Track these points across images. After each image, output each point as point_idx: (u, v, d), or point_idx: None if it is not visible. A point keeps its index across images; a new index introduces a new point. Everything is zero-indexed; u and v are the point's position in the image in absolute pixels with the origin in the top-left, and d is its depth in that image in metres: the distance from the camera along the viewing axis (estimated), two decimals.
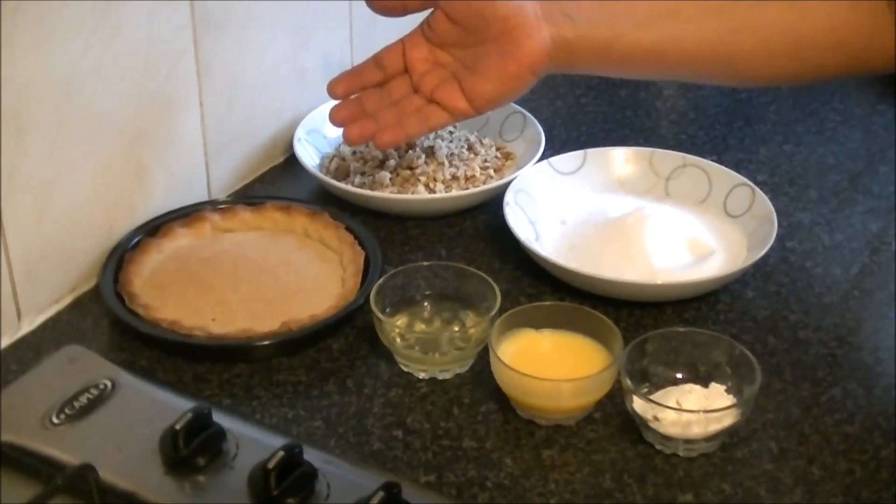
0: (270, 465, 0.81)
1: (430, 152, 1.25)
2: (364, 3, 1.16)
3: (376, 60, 1.18)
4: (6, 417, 0.89)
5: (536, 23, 1.10)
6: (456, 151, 1.26)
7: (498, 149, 1.30)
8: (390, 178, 1.22)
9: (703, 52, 1.12)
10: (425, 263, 1.07)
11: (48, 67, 0.99)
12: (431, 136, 1.28)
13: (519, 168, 1.24)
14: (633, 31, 1.11)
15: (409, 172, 1.23)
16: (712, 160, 1.24)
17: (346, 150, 1.28)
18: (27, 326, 1.05)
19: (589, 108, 1.45)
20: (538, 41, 1.10)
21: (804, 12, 1.10)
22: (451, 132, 1.30)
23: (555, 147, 1.29)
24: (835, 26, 1.10)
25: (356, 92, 1.18)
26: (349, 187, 1.21)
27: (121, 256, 1.09)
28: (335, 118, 1.17)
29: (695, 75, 1.23)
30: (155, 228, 1.14)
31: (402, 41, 1.17)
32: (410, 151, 1.25)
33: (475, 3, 1.11)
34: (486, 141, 1.31)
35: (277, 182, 1.30)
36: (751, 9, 1.11)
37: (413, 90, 1.16)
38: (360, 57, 1.38)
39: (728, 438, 0.93)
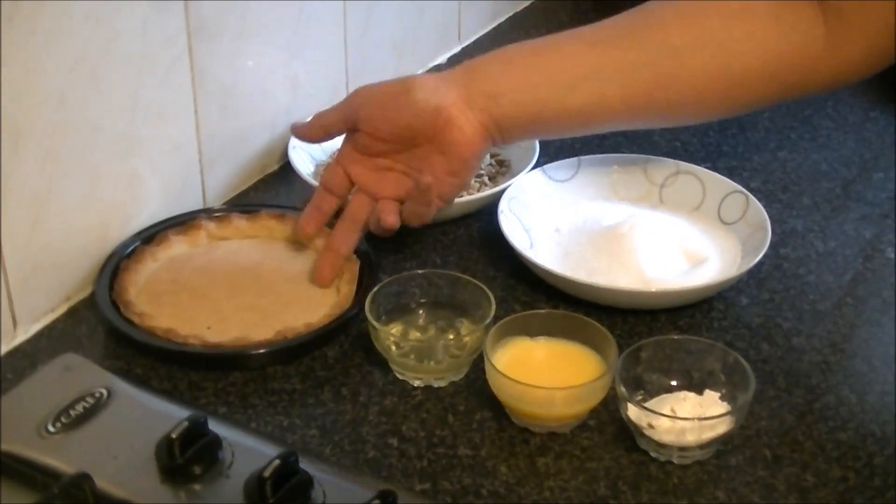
0: (266, 473, 0.81)
1: None
2: (358, 7, 1.15)
3: (325, 188, 1.14)
4: (2, 426, 0.89)
5: (463, 114, 1.09)
6: None
7: (492, 156, 1.30)
8: None
9: (631, 107, 1.10)
10: (420, 271, 1.07)
11: (42, 76, 1.00)
12: None
13: (513, 176, 1.24)
14: (559, 99, 1.09)
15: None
16: (706, 167, 1.24)
17: None
18: (22, 335, 1.05)
19: None
20: (470, 130, 1.09)
21: (733, 53, 1.07)
22: None
23: (549, 155, 1.29)
24: (767, 61, 1.07)
25: (326, 223, 1.14)
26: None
27: (116, 265, 1.10)
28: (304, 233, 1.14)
29: (628, 125, 1.22)
30: (150, 237, 1.14)
31: (338, 162, 1.14)
32: None
33: (397, 118, 1.10)
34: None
35: (272, 190, 1.30)
36: (678, 58, 1.08)
37: (374, 200, 1.13)
38: (354, 65, 1.39)
39: (722, 446, 0.93)
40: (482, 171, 1.26)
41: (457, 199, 1.20)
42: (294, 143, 1.28)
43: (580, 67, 1.10)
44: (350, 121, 1.12)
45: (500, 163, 1.29)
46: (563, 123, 1.12)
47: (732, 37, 1.07)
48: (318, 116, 1.16)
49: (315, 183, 1.22)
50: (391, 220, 1.10)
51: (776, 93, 1.11)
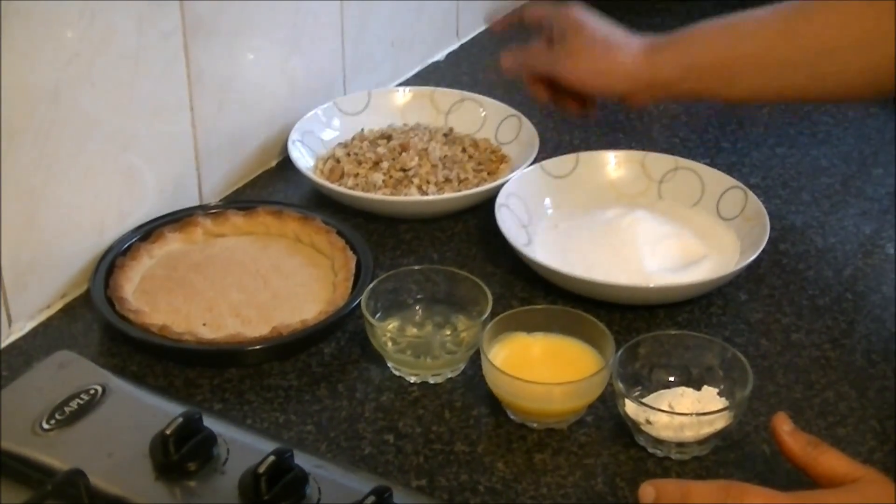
0: (261, 469, 0.81)
1: (424, 154, 1.25)
2: (355, 4, 1.15)
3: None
4: None
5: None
6: (449, 154, 1.26)
7: (492, 151, 1.30)
8: (383, 180, 1.22)
9: (784, 99, 1.27)
10: (417, 267, 1.07)
11: (37, 73, 0.99)
12: (426, 138, 1.28)
13: (513, 171, 1.23)
14: (718, 90, 1.19)
15: (402, 174, 1.22)
16: (705, 163, 1.24)
17: (341, 151, 1.28)
18: (17, 332, 1.05)
19: None
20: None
21: (884, 51, 1.09)
22: (445, 135, 1.30)
23: (547, 150, 1.29)
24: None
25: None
26: (342, 189, 1.21)
27: (111, 262, 1.09)
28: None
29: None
30: (146, 233, 1.13)
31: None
32: (404, 153, 1.25)
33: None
34: (480, 144, 1.31)
35: (269, 186, 1.30)
36: (836, 57, 1.12)
37: None
38: (352, 63, 1.39)
39: (720, 441, 0.93)
40: (482, 166, 1.26)
41: (454, 195, 1.20)
42: (294, 136, 1.28)
43: (743, 63, 1.15)
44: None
45: (501, 158, 1.29)
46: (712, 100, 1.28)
47: (884, 33, 1.08)
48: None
49: (314, 177, 1.22)
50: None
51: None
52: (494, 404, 0.97)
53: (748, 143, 1.37)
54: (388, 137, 1.30)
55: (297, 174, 1.24)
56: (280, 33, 1.28)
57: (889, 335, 1.06)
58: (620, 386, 0.92)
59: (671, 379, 0.96)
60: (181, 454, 0.84)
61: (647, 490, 0.82)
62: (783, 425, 0.86)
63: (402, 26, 1.28)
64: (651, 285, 1.08)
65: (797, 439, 0.85)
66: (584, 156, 1.24)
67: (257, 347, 1.01)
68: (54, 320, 1.07)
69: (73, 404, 0.91)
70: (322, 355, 1.03)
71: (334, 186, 1.21)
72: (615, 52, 1.19)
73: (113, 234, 1.12)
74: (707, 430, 0.91)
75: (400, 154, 1.25)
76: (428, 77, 1.54)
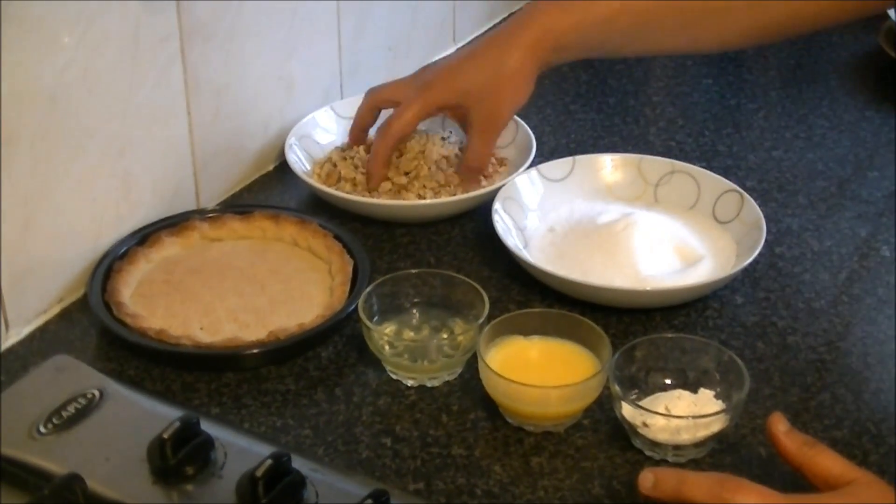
0: (258, 473, 0.81)
1: (421, 157, 1.25)
2: (352, 8, 1.16)
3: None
4: None
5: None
6: (447, 157, 1.26)
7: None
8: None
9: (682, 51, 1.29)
10: (414, 271, 1.07)
11: (33, 78, 0.99)
12: (423, 141, 1.28)
13: (509, 174, 1.23)
14: (614, 50, 1.24)
15: (400, 178, 1.22)
16: (701, 166, 1.24)
17: (337, 155, 1.28)
18: (14, 337, 1.05)
19: (578, 115, 1.45)
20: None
21: None
22: (443, 138, 1.30)
23: (544, 154, 1.29)
24: None
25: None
26: (339, 193, 1.21)
27: (109, 266, 1.09)
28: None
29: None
30: (143, 238, 1.13)
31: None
32: (401, 157, 1.25)
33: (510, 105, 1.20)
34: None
35: (266, 190, 1.30)
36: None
37: None
38: (348, 67, 1.39)
39: (717, 444, 0.93)
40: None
41: (451, 198, 1.20)
42: (291, 141, 1.28)
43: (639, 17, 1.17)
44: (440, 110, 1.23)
45: (500, 161, 1.29)
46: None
47: None
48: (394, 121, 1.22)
49: (311, 181, 1.22)
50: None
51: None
52: (491, 408, 0.97)
53: (744, 146, 1.38)
54: None
55: (295, 178, 1.24)
56: (277, 38, 1.28)
57: (885, 338, 1.06)
58: (617, 389, 0.93)
59: (668, 382, 0.97)
60: (178, 458, 0.84)
61: (647, 476, 0.84)
62: (779, 425, 0.86)
63: (399, 31, 1.29)
64: (647, 288, 1.08)
65: (793, 439, 0.85)
66: (581, 159, 1.24)
67: (255, 351, 1.01)
68: (51, 325, 1.07)
69: (71, 409, 0.91)
70: (319, 359, 1.03)
71: (331, 190, 1.21)
72: (503, 73, 1.18)
73: (110, 239, 1.12)
74: (703, 433, 0.91)
75: (397, 158, 1.25)
76: None
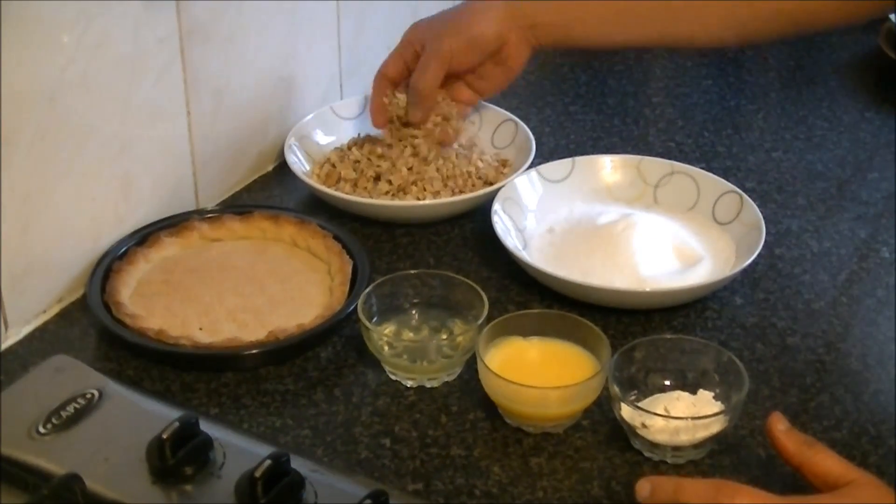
0: (257, 473, 0.81)
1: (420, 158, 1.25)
2: (351, 8, 1.16)
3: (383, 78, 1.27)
4: None
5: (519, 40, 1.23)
6: (448, 157, 1.26)
7: (493, 156, 1.30)
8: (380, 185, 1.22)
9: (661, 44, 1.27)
10: (413, 272, 1.07)
11: (33, 78, 0.99)
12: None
13: (509, 175, 1.23)
14: (599, 39, 1.24)
15: (399, 179, 1.22)
16: (701, 168, 1.24)
17: (337, 156, 1.28)
18: (14, 337, 1.05)
19: (577, 116, 1.45)
20: (524, 51, 1.24)
21: None
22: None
23: (543, 155, 1.29)
24: None
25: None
26: (339, 193, 1.21)
27: (108, 266, 1.09)
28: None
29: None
30: (143, 238, 1.13)
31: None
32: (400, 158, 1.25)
33: (473, 47, 1.22)
34: (480, 147, 1.30)
35: (266, 191, 1.30)
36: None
37: None
38: (348, 66, 1.39)
39: (716, 445, 0.93)
40: (482, 171, 1.26)
41: (450, 199, 1.20)
42: (290, 141, 1.28)
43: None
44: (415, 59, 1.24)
45: (503, 163, 1.29)
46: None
47: None
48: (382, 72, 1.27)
49: (310, 181, 1.22)
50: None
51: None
52: (490, 408, 0.97)
53: (744, 147, 1.38)
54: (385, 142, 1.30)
55: (294, 179, 1.24)
56: (277, 38, 1.28)
57: (884, 339, 1.06)
58: (616, 390, 0.93)
59: (667, 383, 0.97)
60: (178, 458, 0.84)
61: (644, 485, 0.84)
62: (778, 424, 0.86)
63: (398, 31, 1.29)
64: (647, 289, 1.08)
65: (792, 438, 0.86)
66: (580, 160, 1.24)
67: (254, 352, 1.01)
68: (51, 325, 1.07)
69: (70, 409, 0.91)
70: (318, 359, 1.03)
71: (330, 191, 1.21)
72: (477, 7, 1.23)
73: (110, 239, 1.12)
74: (702, 434, 0.91)
75: (397, 158, 1.25)
76: None
